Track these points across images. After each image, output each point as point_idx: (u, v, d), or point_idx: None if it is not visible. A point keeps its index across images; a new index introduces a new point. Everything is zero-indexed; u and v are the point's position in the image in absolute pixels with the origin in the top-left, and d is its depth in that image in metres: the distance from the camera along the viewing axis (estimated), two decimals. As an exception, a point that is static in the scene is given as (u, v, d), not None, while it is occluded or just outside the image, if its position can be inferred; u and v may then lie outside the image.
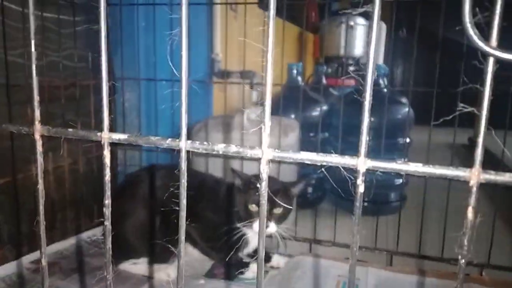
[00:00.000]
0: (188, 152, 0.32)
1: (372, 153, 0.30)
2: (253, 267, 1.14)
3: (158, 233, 1.12)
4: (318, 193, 1.94)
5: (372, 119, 1.93)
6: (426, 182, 1.21)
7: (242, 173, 1.14)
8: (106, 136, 0.33)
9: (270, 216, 1.04)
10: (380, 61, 3.44)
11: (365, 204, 1.87)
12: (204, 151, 0.32)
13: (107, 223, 0.35)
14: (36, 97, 0.35)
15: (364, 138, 0.29)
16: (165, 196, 1.13)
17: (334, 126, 1.99)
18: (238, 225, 1.07)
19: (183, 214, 0.33)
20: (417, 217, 1.25)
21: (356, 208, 0.29)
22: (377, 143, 1.48)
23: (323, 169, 0.33)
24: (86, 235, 1.30)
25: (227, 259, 1.13)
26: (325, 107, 2.01)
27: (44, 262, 0.37)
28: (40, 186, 0.36)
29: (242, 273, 1.13)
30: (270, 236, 1.18)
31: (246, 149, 0.32)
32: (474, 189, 0.27)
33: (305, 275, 1.14)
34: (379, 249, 1.26)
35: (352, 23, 2.85)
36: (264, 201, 0.31)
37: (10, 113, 1.08)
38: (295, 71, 2.01)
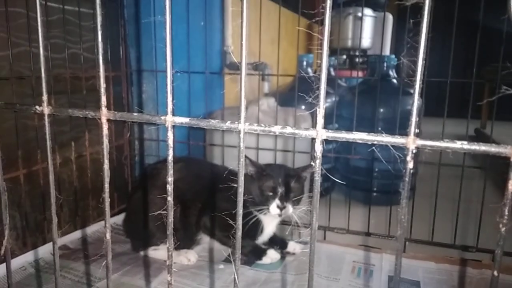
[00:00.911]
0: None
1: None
2: (270, 253, 1.18)
3: (178, 221, 1.15)
4: (329, 183, 1.98)
5: (382, 110, 1.96)
6: (439, 171, 1.24)
7: (255, 161, 1.16)
8: (170, 119, 0.36)
9: (287, 198, 1.08)
10: (387, 51, 3.45)
11: (375, 194, 1.91)
12: (261, 132, 0.35)
13: (170, 198, 0.38)
14: (103, 84, 0.38)
15: (414, 118, 0.32)
16: (186, 187, 1.17)
17: (343, 117, 2.02)
18: (252, 209, 1.10)
19: (241, 190, 0.37)
20: (428, 206, 1.28)
21: (406, 183, 0.32)
22: (387, 134, 1.51)
23: (374, 148, 0.36)
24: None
25: (244, 246, 1.17)
26: (334, 99, 2.04)
27: (108, 236, 0.41)
28: (106, 166, 0.39)
29: (260, 259, 1.16)
30: (286, 223, 1.22)
31: (301, 130, 0.35)
32: (515, 164, 0.30)
33: (320, 260, 1.17)
34: (393, 236, 1.29)
35: (359, 14, 2.86)
36: (318, 177, 0.34)
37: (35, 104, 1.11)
38: (305, 63, 2.04)
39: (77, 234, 1.26)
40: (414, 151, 0.32)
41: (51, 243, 1.17)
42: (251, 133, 0.36)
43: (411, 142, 0.32)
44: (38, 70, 1.14)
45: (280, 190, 1.08)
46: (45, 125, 0.42)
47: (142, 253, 1.18)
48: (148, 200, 1.15)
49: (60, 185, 1.22)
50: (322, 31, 0.33)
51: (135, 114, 0.38)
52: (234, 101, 1.94)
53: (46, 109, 0.42)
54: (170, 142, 0.37)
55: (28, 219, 1.14)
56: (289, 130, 0.35)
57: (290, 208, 1.09)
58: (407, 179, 0.32)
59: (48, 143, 0.42)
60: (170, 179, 0.38)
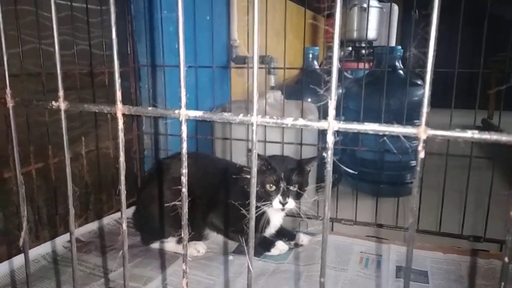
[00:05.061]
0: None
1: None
2: (279, 244, 1.19)
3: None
4: (335, 175, 1.98)
5: (389, 101, 1.95)
6: (447, 162, 1.24)
7: (261, 154, 1.16)
8: (183, 113, 0.37)
9: (288, 193, 1.08)
10: (393, 43, 3.42)
11: (382, 185, 1.91)
12: (274, 125, 0.36)
13: (184, 190, 0.39)
14: (118, 80, 0.39)
15: (425, 109, 0.32)
16: (195, 183, 1.17)
17: (350, 109, 2.02)
18: (258, 204, 1.11)
19: (253, 181, 0.37)
20: (435, 196, 1.28)
21: (418, 172, 0.33)
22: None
23: (385, 138, 0.37)
24: (117, 215, 1.37)
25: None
26: (340, 91, 2.03)
27: (124, 226, 0.42)
28: (122, 159, 0.40)
29: (268, 250, 1.18)
30: (292, 215, 1.23)
31: (314, 122, 0.35)
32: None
33: (328, 251, 1.18)
34: (400, 227, 1.30)
35: (365, 5, 2.84)
36: (330, 167, 0.35)
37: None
38: (310, 55, 2.03)
39: (88, 227, 1.28)
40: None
41: (63, 236, 1.20)
42: (261, 125, 0.36)
43: (423, 132, 0.32)
44: (48, 67, 1.15)
45: (283, 185, 1.08)
46: (62, 120, 0.43)
47: (151, 245, 1.20)
48: (158, 195, 1.16)
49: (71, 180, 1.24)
50: (333, 23, 0.34)
51: (149, 108, 0.39)
52: (240, 94, 1.95)
53: (62, 105, 0.43)
54: (184, 135, 0.38)
55: (40, 213, 1.16)
56: (301, 122, 0.35)
57: (292, 203, 1.09)
58: (419, 168, 0.33)
59: (65, 138, 0.43)
60: (184, 171, 0.38)
